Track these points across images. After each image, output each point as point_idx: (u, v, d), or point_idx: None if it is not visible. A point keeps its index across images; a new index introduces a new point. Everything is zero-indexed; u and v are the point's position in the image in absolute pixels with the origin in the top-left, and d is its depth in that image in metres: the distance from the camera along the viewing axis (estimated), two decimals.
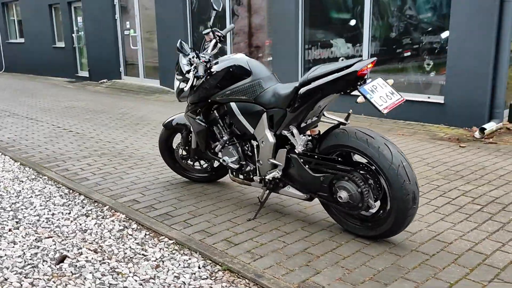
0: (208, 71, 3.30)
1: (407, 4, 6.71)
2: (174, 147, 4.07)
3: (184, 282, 2.54)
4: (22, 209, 3.64)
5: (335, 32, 7.60)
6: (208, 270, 2.65)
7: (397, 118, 6.71)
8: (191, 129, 3.75)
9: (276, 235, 3.02)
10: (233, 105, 3.24)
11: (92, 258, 2.82)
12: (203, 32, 3.52)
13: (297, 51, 7.93)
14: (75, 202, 3.79)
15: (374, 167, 2.77)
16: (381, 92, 2.60)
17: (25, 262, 2.77)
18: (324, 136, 2.91)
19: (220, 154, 3.52)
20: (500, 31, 5.75)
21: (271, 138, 3.09)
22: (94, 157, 5.07)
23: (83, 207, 3.66)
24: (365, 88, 2.59)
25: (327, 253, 2.76)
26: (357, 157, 2.94)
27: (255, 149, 3.24)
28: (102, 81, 12.89)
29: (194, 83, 3.39)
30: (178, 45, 3.38)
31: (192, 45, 10.11)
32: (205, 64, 3.29)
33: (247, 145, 3.32)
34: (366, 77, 2.62)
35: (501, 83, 5.95)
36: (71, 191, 4.05)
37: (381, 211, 2.86)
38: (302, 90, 2.79)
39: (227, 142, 3.40)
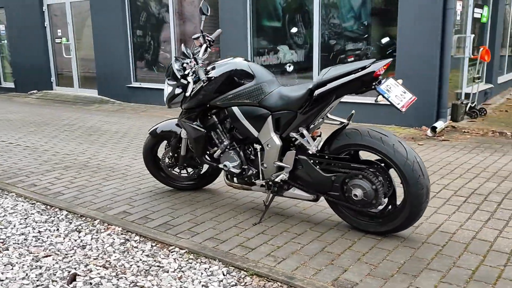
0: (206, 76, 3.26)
1: (352, 12, 7.02)
2: (160, 156, 3.95)
3: None
4: (1, 228, 3.35)
5: (280, 40, 7.77)
6: (234, 276, 2.61)
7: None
8: (182, 136, 3.67)
9: (289, 237, 3.03)
10: (235, 109, 3.21)
11: (105, 274, 2.67)
12: (193, 37, 3.47)
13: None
14: (58, 218, 3.55)
15: (383, 164, 2.88)
16: (395, 91, 2.72)
17: (33, 284, 2.56)
18: (334, 137, 2.97)
19: (220, 160, 3.46)
20: (444, 36, 6.19)
21: (278, 141, 3.10)
22: (59, 171, 4.77)
23: (70, 223, 3.44)
24: (382, 88, 2.69)
25: (346, 251, 2.82)
26: (360, 155, 3.04)
27: (259, 153, 3.23)
28: (31, 92, 12.13)
29: (191, 88, 3.33)
30: (183, 49, 3.33)
31: (133, 51, 9.85)
32: (205, 68, 3.25)
33: (250, 149, 3.31)
34: (380, 77, 2.73)
35: (445, 85, 6.41)
36: (48, 206, 3.79)
37: (389, 207, 2.97)
38: (318, 91, 2.83)
39: (228, 147, 3.36)
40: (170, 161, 3.87)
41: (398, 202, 2.95)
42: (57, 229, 3.33)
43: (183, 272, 2.68)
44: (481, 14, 7.74)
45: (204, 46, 3.44)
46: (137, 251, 2.96)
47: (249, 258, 2.76)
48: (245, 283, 2.54)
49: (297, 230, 3.14)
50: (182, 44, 3.71)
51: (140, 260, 2.84)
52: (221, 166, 3.40)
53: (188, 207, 3.61)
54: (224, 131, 3.39)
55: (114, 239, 3.14)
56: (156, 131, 3.81)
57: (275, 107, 3.08)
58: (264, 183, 3.27)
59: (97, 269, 2.73)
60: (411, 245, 2.87)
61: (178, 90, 3.40)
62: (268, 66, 7.89)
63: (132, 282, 2.57)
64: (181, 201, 3.75)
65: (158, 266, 2.76)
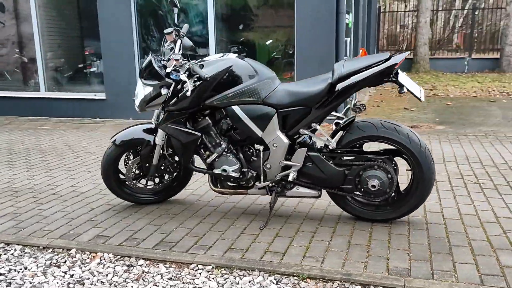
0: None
1: (251, 19, 7.12)
2: (123, 168, 3.48)
3: None
4: None
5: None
6: (288, 283, 2.45)
7: None
8: (157, 142, 3.30)
9: (308, 236, 2.95)
10: (236, 108, 3.00)
11: None
12: (165, 31, 3.14)
13: (133, 61, 7.48)
14: (13, 254, 2.89)
15: (391, 154, 3.01)
16: (410, 83, 2.85)
17: None
18: (343, 131, 2.99)
19: (214, 165, 3.19)
20: (338, 39, 6.66)
21: (285, 139, 3.00)
22: None
23: (36, 258, 2.83)
24: (401, 80, 2.80)
25: (372, 242, 2.86)
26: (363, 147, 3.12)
27: (261, 153, 3.08)
28: None
29: (176, 88, 3.03)
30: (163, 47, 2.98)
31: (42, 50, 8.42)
32: (200, 65, 2.97)
33: (251, 150, 3.12)
34: (397, 69, 2.83)
35: None
36: None
37: (393, 195, 3.09)
38: (341, 85, 2.81)
39: (226, 150, 3.12)
40: (136, 173, 3.45)
41: (401, 189, 3.10)
42: (26, 268, 2.71)
43: None
44: (349, 20, 8.52)
45: (179, 41, 3.15)
46: (154, 276, 2.57)
47: (289, 263, 2.62)
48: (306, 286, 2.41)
49: (309, 228, 3.08)
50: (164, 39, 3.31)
51: (168, 285, 2.48)
52: (217, 171, 3.14)
53: (172, 221, 3.26)
54: (218, 133, 3.14)
55: (113, 268, 2.68)
56: (122, 140, 3.35)
57: (282, 104, 2.97)
58: (265, 185, 3.13)
59: None
60: (421, 227, 3.05)
61: (164, 91, 3.04)
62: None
63: None
64: (157, 216, 3.36)
65: (194, 287, 2.44)
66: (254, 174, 3.13)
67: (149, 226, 3.19)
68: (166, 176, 3.50)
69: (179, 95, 3.05)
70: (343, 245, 2.82)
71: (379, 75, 2.80)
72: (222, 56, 3.08)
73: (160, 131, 3.27)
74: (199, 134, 3.12)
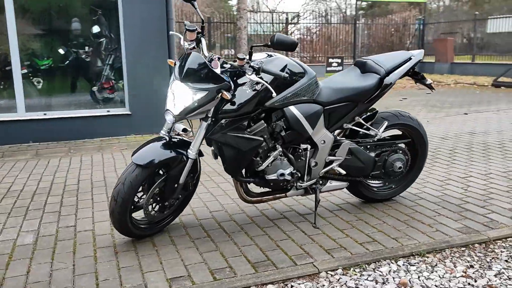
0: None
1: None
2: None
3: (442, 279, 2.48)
4: None
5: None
6: (420, 260, 2.62)
7: (80, 137, 6.09)
8: (190, 156, 2.78)
9: (374, 222, 3.14)
10: (293, 108, 2.85)
11: None
12: (190, 28, 2.71)
13: None
14: None
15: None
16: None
17: None
18: (372, 121, 3.24)
19: (266, 171, 2.92)
20: (170, 45, 6.49)
21: (331, 135, 3.06)
22: None
23: None
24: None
25: (403, 222, 3.13)
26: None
27: (308, 152, 3.02)
28: None
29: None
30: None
31: None
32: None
33: (299, 150, 3.01)
34: None
35: None
36: None
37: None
38: (389, 80, 3.06)
39: (280, 154, 2.93)
40: (158, 200, 2.83)
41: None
42: None
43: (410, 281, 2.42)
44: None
45: (203, 40, 2.79)
46: None
47: (402, 244, 2.78)
48: (435, 260, 2.62)
49: (365, 219, 3.20)
50: (182, 38, 2.77)
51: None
52: (272, 177, 2.90)
53: (223, 244, 2.81)
54: (270, 136, 2.91)
55: None
56: (153, 160, 2.67)
57: (329, 101, 3.01)
58: (308, 184, 3.09)
59: None
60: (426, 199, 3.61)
61: (227, 95, 2.63)
62: None
63: None
64: (193, 247, 2.83)
65: None
66: (299, 175, 3.05)
67: (207, 254, 2.69)
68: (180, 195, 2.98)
69: (244, 98, 2.71)
70: (400, 225, 3.11)
71: (409, 70, 3.21)
72: (269, 55, 2.89)
73: (196, 143, 2.78)
74: (261, 139, 2.83)
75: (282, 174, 2.94)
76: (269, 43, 2.62)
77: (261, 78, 2.67)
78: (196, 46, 2.76)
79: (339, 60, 10.78)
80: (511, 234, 2.91)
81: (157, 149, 2.74)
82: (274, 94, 2.65)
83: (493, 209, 3.32)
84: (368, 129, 3.22)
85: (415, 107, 8.60)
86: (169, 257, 2.66)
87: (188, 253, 2.70)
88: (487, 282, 2.40)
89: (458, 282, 2.40)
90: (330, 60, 10.66)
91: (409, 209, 3.36)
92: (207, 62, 2.64)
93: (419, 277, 2.45)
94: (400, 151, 3.34)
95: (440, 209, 3.35)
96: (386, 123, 3.24)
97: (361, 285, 2.37)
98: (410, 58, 3.24)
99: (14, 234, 2.99)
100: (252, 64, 2.64)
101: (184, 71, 2.62)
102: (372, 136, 3.23)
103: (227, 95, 2.64)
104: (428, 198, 3.58)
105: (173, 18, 6.49)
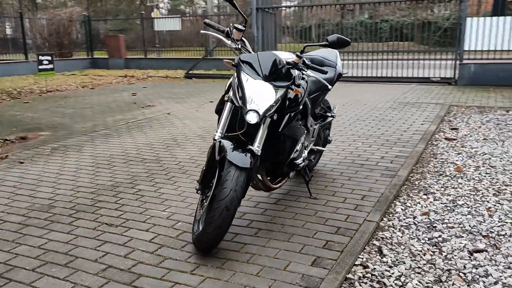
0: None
1: None
2: None
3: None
4: None
5: None
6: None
7: None
8: (256, 153, 2.59)
9: None
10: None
11: None
12: (240, 28, 2.82)
13: None
14: None
15: None
16: None
17: None
18: None
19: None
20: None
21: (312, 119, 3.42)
22: None
23: None
24: None
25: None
26: None
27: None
28: None
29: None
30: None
31: None
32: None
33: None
34: None
35: None
36: None
37: None
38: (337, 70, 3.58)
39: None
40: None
41: None
42: None
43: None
44: None
45: (245, 40, 2.94)
46: None
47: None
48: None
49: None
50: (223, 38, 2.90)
51: None
52: (299, 161, 3.01)
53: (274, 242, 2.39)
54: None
55: None
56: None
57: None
58: (305, 164, 3.24)
59: None
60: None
61: (300, 90, 2.71)
62: None
63: None
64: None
65: None
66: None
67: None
68: None
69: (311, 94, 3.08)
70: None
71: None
72: (321, 49, 3.19)
73: (261, 140, 2.63)
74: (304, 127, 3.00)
75: (306, 157, 3.13)
76: (327, 42, 2.70)
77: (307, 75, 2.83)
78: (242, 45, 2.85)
79: (50, 58, 9.43)
80: None
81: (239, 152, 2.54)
82: (330, 87, 2.97)
83: None
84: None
85: (159, 100, 8.57)
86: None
87: None
88: None
89: None
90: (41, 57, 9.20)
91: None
92: (283, 60, 2.67)
93: None
94: None
95: None
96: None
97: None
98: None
99: None
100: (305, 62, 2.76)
101: (269, 70, 2.60)
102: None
103: (299, 90, 2.64)
104: None
105: None
